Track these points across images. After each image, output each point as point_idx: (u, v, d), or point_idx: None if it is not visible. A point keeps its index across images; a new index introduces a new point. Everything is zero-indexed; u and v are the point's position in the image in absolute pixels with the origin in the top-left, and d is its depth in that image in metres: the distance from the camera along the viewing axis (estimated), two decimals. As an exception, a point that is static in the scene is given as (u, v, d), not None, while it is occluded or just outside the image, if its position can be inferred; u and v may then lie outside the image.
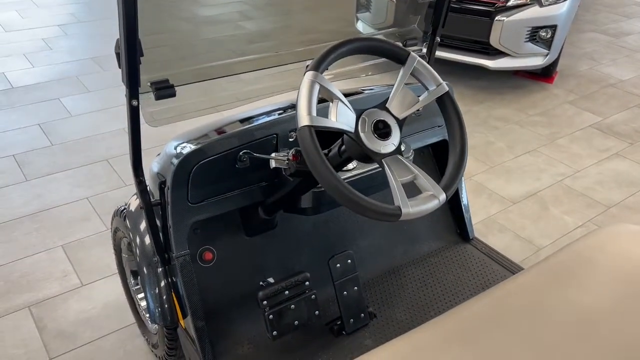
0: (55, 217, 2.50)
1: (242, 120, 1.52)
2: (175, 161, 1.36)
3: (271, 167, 1.32)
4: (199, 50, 1.66)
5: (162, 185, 1.42)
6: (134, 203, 1.60)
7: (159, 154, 1.56)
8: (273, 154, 1.31)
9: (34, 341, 1.92)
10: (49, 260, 2.27)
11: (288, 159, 1.25)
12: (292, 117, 1.49)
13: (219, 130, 1.48)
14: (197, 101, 1.55)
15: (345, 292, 1.54)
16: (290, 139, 1.48)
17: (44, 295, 2.11)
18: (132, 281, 1.88)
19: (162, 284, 1.46)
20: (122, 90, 3.66)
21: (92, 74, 3.90)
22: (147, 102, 1.30)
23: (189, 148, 1.39)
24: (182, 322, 1.52)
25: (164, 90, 1.27)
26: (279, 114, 1.51)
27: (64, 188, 2.70)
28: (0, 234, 2.39)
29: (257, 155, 1.41)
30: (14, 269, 2.22)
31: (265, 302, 1.43)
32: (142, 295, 1.86)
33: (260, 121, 1.48)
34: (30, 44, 4.32)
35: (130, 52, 1.12)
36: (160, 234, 1.44)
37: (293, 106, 1.58)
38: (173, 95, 1.30)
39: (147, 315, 1.82)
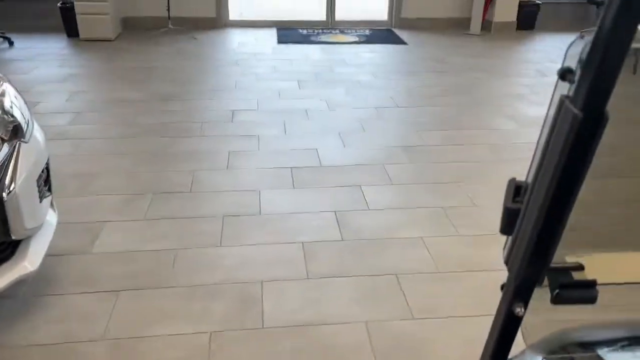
0: (323, 337, 2.09)
1: None
2: None
3: None
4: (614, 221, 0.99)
5: None
6: None
7: None
8: None
9: None
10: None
11: None
12: None
13: None
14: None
15: None
16: None
17: None
18: None
19: None
20: (424, 188, 3.23)
21: (398, 164, 3.59)
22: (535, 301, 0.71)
23: None
24: None
25: (578, 289, 0.68)
26: None
27: (342, 299, 2.30)
28: (267, 345, 2.07)
29: None
30: (266, 393, 1.85)
31: None
32: None
33: None
34: (347, 123, 4.31)
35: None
36: None
37: None
38: (593, 301, 0.70)
39: None
